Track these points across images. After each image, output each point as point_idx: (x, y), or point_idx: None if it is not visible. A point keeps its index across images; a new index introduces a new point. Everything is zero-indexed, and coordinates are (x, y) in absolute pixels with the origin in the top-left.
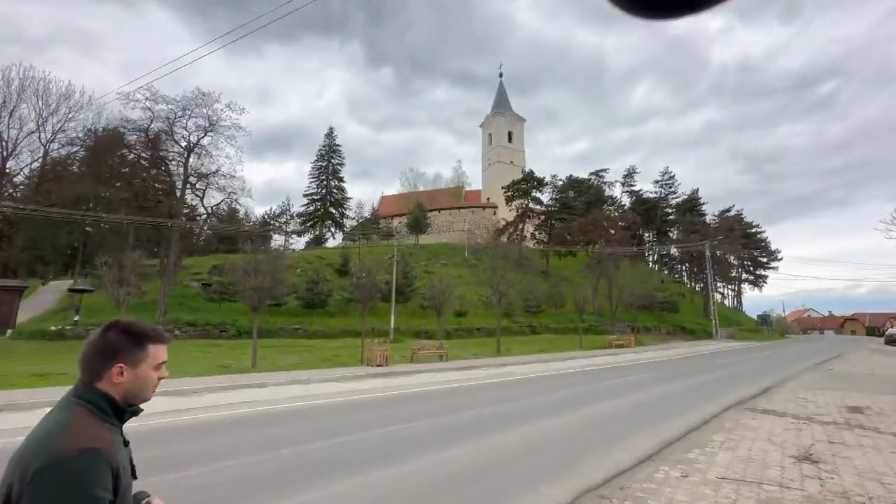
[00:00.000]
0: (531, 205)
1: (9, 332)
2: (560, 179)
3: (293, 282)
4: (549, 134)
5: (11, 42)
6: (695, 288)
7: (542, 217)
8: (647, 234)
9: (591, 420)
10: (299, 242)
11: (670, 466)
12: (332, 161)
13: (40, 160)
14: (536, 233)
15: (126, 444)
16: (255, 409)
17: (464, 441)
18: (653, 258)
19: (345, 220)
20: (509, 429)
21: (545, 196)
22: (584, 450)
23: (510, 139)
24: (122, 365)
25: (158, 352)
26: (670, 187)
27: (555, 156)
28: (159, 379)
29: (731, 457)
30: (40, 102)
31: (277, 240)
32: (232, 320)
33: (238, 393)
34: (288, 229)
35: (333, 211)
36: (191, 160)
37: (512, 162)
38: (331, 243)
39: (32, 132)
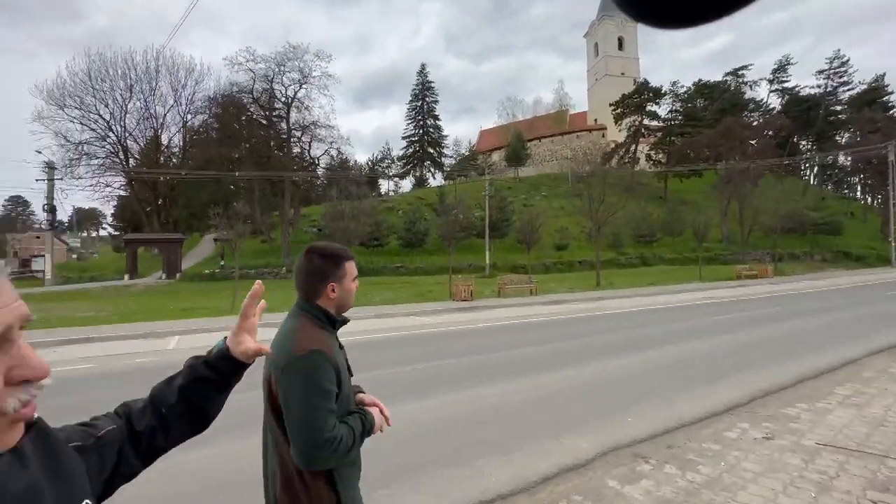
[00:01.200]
0: (645, 121)
1: (177, 275)
2: (683, 87)
3: (392, 223)
4: (673, 35)
5: (159, 30)
6: (872, 204)
7: (659, 134)
8: (802, 142)
9: (672, 359)
10: (403, 185)
11: (752, 424)
12: (427, 100)
13: (181, 130)
14: (652, 153)
15: (340, 346)
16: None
17: (493, 381)
18: (810, 170)
19: (443, 158)
20: (563, 368)
21: (663, 109)
22: (643, 395)
23: (621, 46)
24: (333, 283)
25: (351, 267)
26: (840, 77)
27: (681, 60)
28: (356, 288)
29: (852, 416)
30: (172, 79)
31: (384, 184)
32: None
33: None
34: (390, 173)
35: (431, 151)
36: (292, 114)
37: (623, 73)
38: (432, 183)
39: (172, 106)
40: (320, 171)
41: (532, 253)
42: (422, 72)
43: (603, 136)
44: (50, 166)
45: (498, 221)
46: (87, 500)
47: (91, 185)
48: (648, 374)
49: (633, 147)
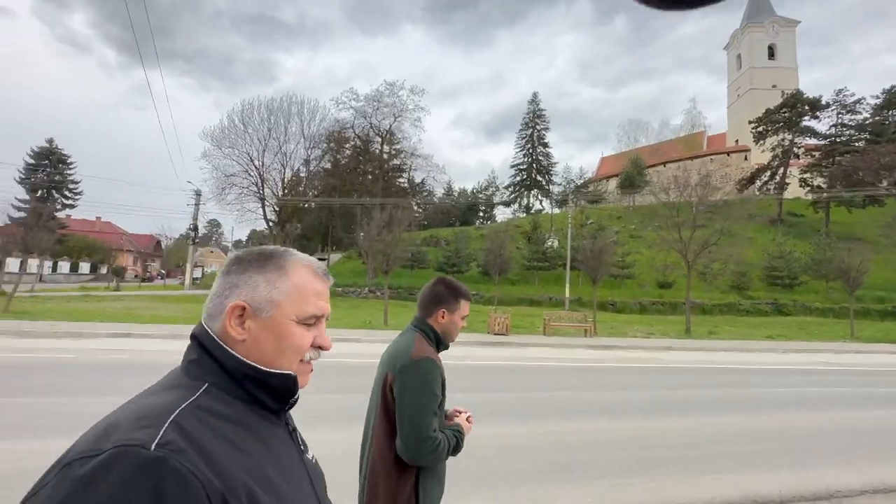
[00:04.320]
0: (797, 138)
1: None
2: (853, 95)
3: (471, 250)
4: (871, 37)
5: (329, 85)
6: None
7: (817, 154)
8: None
9: (626, 437)
10: (505, 212)
11: None
12: (537, 128)
13: (303, 164)
14: (808, 176)
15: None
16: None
17: None
18: None
19: (551, 186)
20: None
21: (823, 124)
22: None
23: (772, 55)
24: (444, 310)
25: (465, 306)
26: None
27: (881, 67)
28: (462, 327)
29: None
30: (300, 120)
31: (490, 212)
32: (420, 284)
33: (348, 345)
34: (495, 200)
35: (540, 178)
36: (385, 146)
37: (775, 86)
38: (539, 209)
39: (298, 143)
40: (421, 198)
41: (625, 290)
42: (533, 100)
43: (745, 158)
44: (197, 193)
45: (590, 252)
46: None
47: (235, 208)
48: (579, 447)
49: (781, 170)
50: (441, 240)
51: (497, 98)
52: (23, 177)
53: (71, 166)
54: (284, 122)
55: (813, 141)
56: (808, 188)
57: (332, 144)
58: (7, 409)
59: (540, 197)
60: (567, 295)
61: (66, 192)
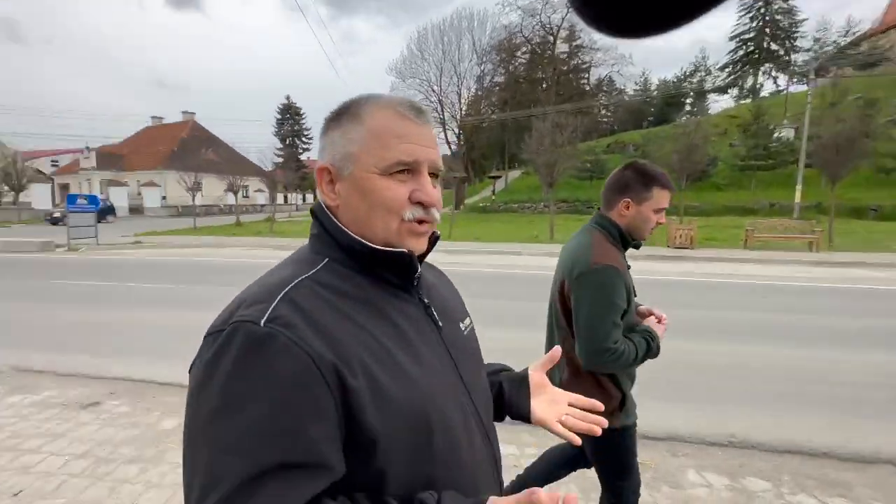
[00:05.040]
0: None
1: (461, 207)
2: None
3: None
4: None
5: None
6: None
7: None
8: None
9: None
10: (720, 102)
11: None
12: None
13: (476, 81)
14: None
15: (628, 266)
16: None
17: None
18: None
19: (792, 54)
20: None
21: None
22: None
23: None
24: (628, 200)
25: (661, 196)
26: None
27: None
28: (658, 223)
29: None
30: (471, 36)
31: (699, 103)
32: (598, 196)
33: (500, 258)
34: (706, 87)
35: (775, 46)
36: (562, 45)
37: None
38: (774, 90)
39: (471, 60)
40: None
41: (824, 186)
42: None
43: None
44: None
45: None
46: (468, 319)
47: None
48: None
49: None
50: (628, 145)
51: None
52: (275, 130)
53: (303, 117)
54: (457, 41)
55: None
56: None
57: (502, 55)
58: None
59: (775, 73)
60: (797, 200)
61: (303, 139)
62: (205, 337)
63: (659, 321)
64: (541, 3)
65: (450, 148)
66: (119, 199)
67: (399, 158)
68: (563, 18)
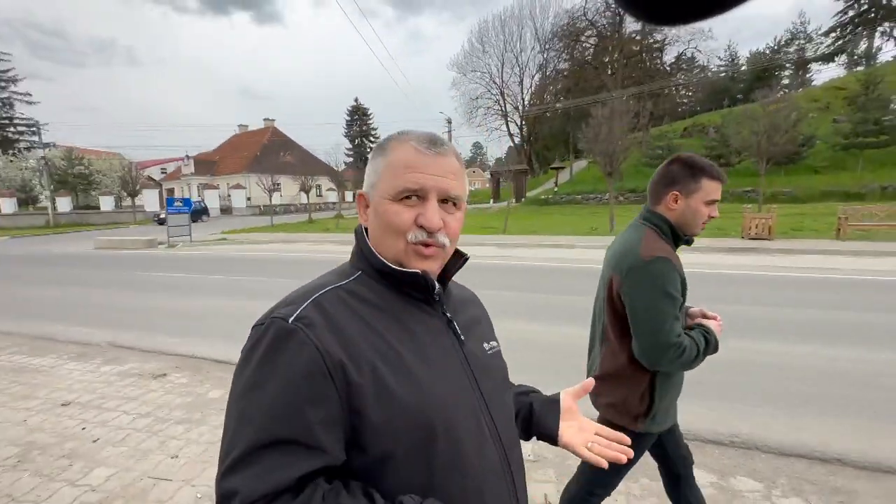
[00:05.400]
0: None
1: (522, 199)
2: None
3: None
4: None
5: None
6: None
7: None
8: None
9: None
10: (824, 73)
11: None
12: None
13: (538, 70)
14: None
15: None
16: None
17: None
18: None
19: None
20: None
21: None
22: None
23: None
24: (676, 193)
25: (711, 188)
26: None
27: None
28: (710, 217)
29: None
30: (533, 23)
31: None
32: None
33: (557, 251)
34: (808, 55)
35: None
36: (626, 24)
37: None
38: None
39: (533, 48)
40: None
41: None
42: None
43: None
44: (448, 121)
45: None
46: (495, 342)
47: (484, 129)
48: None
49: None
50: (708, 127)
51: None
52: (345, 131)
53: (371, 117)
54: (518, 31)
55: None
56: None
57: (566, 41)
58: None
59: (893, 34)
60: None
61: (371, 139)
62: (252, 328)
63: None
64: None
65: (512, 140)
66: (212, 200)
67: (405, 186)
68: None
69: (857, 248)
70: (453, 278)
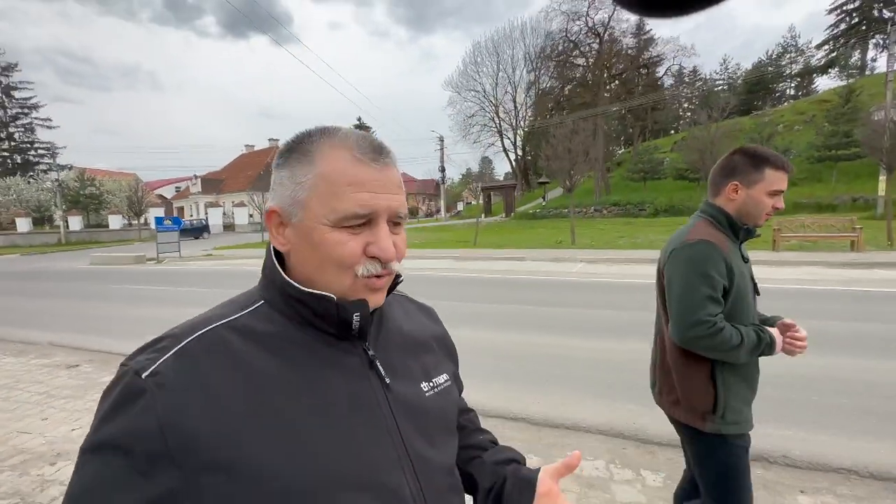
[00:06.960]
0: None
1: (511, 214)
2: None
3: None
4: None
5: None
6: None
7: None
8: None
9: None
10: (817, 85)
11: None
12: None
13: (532, 86)
14: None
15: (745, 260)
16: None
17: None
18: None
19: None
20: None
21: None
22: None
23: None
24: (736, 183)
25: (775, 178)
26: None
27: None
28: (774, 208)
29: None
30: (524, 44)
31: (797, 84)
32: (652, 199)
33: (508, 263)
34: (796, 70)
35: (888, 13)
36: (625, 39)
37: None
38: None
39: (523, 68)
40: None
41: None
42: None
43: None
44: (440, 139)
45: None
46: (445, 376)
47: (480, 145)
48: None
49: None
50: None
51: None
52: None
53: (374, 135)
54: (510, 51)
55: None
56: None
57: (555, 61)
58: None
59: (887, 42)
60: (881, 193)
61: None
62: (120, 364)
63: (795, 338)
64: (585, 6)
65: (507, 156)
66: (216, 218)
67: (353, 211)
68: (608, 16)
69: (786, 259)
70: (410, 295)
